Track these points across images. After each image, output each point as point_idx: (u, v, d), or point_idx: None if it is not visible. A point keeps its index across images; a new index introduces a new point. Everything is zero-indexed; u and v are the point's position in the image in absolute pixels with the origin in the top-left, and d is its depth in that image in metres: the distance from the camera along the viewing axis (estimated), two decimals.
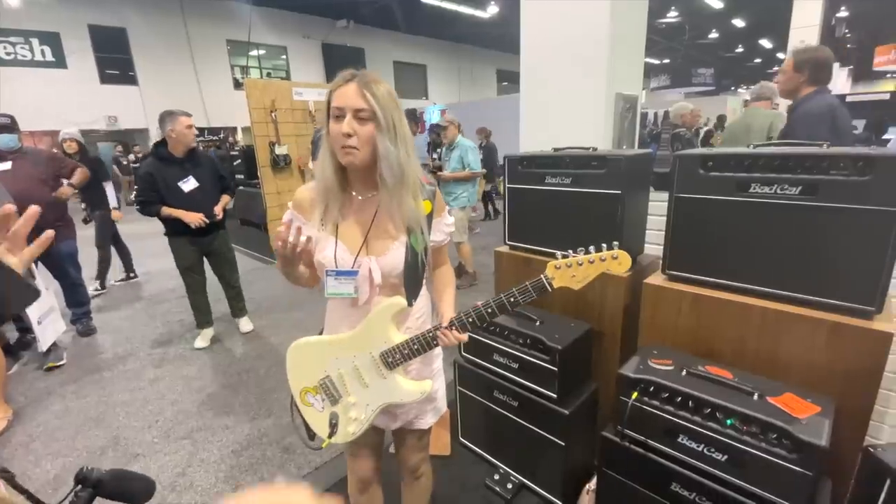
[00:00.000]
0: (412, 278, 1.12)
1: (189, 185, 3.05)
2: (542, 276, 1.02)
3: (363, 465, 1.34)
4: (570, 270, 1.01)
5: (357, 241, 1.10)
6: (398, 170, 1.01)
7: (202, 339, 3.46)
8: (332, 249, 1.08)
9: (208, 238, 3.22)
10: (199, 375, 3.00)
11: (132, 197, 3.12)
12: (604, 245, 1.01)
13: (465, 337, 1.08)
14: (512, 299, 1.02)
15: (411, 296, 1.13)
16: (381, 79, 1.00)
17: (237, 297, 3.65)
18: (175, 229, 3.09)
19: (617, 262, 0.99)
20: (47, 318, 3.06)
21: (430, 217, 1.13)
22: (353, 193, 1.11)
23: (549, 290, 1.02)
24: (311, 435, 1.26)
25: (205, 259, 3.36)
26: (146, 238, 7.80)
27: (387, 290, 1.13)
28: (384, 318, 1.10)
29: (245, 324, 3.69)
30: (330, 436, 1.17)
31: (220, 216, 3.18)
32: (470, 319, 1.06)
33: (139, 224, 9.21)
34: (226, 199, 3.26)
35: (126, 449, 2.30)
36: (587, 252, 1.01)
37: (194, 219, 3.02)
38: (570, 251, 1.02)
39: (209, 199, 3.15)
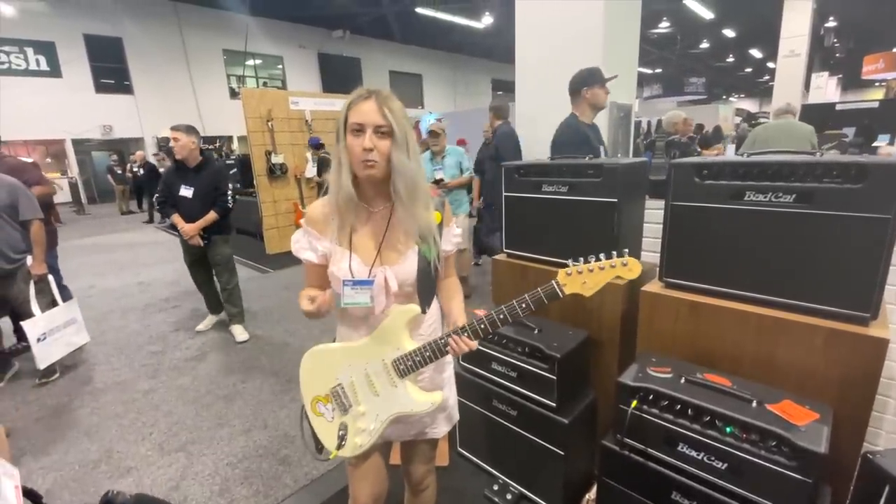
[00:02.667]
0: (425, 286, 1.13)
1: (184, 191, 3.32)
2: (553, 282, 1.03)
3: (365, 493, 1.26)
4: (581, 277, 1.02)
5: (371, 252, 1.12)
6: (412, 182, 1.05)
7: (204, 324, 3.86)
8: (346, 261, 1.10)
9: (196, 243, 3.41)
10: (194, 386, 2.96)
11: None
12: (614, 252, 1.02)
13: (475, 344, 1.07)
14: (524, 305, 1.02)
15: (425, 303, 1.14)
16: (394, 95, 1.05)
17: (229, 300, 3.70)
18: (176, 229, 3.42)
19: (627, 268, 1.01)
20: (55, 334, 3.00)
21: (440, 227, 1.15)
22: (366, 206, 1.13)
23: (561, 296, 1.02)
24: (320, 448, 1.24)
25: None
26: (140, 247, 7.76)
27: (402, 299, 1.14)
28: (398, 324, 1.10)
29: (239, 333, 3.66)
30: (338, 447, 1.16)
31: (192, 236, 3.30)
32: (482, 326, 1.05)
33: (134, 233, 9.19)
34: (210, 217, 3.34)
35: (119, 462, 2.26)
36: (598, 259, 1.02)
37: (185, 230, 3.31)
38: (581, 259, 1.03)
39: (198, 208, 3.33)
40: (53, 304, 3.07)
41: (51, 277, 3.04)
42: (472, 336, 1.06)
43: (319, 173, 6.31)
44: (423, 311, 1.13)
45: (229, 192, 3.40)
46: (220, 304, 3.83)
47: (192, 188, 3.31)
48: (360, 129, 1.01)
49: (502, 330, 1.78)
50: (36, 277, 2.91)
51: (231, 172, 8.78)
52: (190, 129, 3.27)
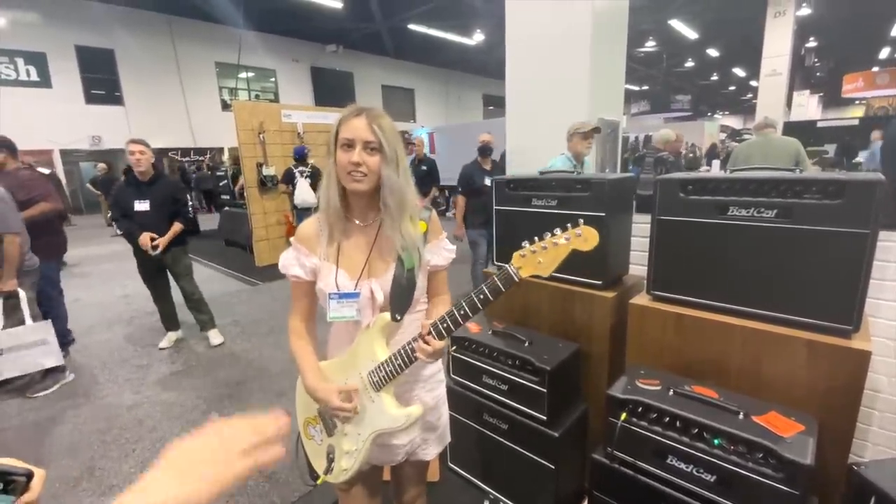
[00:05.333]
0: (398, 292, 1.11)
1: (140, 205, 3.35)
2: (507, 266, 1.00)
3: None
4: (535, 256, 0.98)
5: (358, 266, 1.12)
6: (399, 196, 1.07)
7: (166, 341, 3.79)
8: (333, 276, 1.10)
9: (157, 255, 3.41)
10: (179, 401, 2.91)
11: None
12: (569, 224, 0.96)
13: (441, 344, 1.04)
14: (482, 296, 1.00)
15: (396, 310, 1.11)
16: (385, 113, 1.07)
17: (196, 308, 3.77)
18: (132, 242, 3.41)
19: (582, 238, 0.94)
20: (19, 351, 2.88)
21: (425, 236, 1.15)
22: (355, 220, 1.14)
23: (517, 279, 0.99)
24: (315, 475, 1.22)
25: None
26: (126, 259, 7.64)
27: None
28: (371, 335, 1.09)
29: (215, 336, 3.79)
30: (326, 471, 1.13)
31: (159, 246, 3.34)
32: (445, 325, 1.03)
33: (120, 245, 9.06)
34: (177, 229, 3.42)
35: (101, 480, 2.20)
36: (552, 234, 0.97)
37: (156, 243, 3.34)
38: (536, 237, 0.99)
39: (156, 220, 3.37)
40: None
41: (22, 294, 2.92)
42: (436, 336, 1.04)
43: (286, 182, 5.96)
44: (395, 319, 1.10)
45: (189, 203, 3.52)
46: (176, 320, 3.86)
47: (148, 201, 3.33)
48: (349, 144, 1.03)
49: (493, 342, 1.79)
50: (4, 294, 2.82)
51: (221, 184, 8.72)
52: (147, 143, 3.35)
